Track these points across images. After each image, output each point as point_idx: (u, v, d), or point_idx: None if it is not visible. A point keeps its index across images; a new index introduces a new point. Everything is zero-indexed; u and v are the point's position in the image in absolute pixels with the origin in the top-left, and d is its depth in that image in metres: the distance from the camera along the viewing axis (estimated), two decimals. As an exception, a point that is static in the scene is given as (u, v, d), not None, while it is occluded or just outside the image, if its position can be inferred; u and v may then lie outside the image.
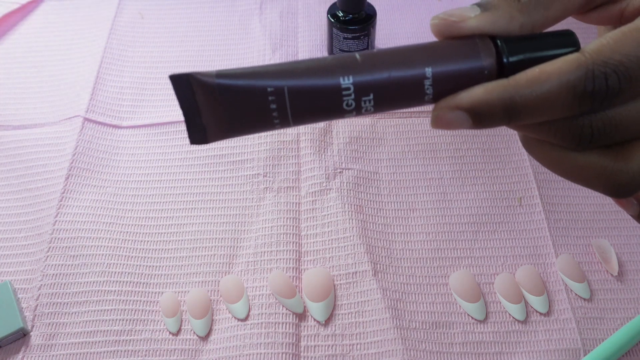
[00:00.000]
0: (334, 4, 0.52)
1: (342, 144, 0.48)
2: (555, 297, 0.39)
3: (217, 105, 0.21)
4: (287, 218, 0.43)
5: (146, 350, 0.37)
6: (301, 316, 0.39)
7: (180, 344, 0.38)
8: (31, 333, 0.38)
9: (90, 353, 0.37)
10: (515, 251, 0.42)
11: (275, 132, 0.48)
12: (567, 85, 0.20)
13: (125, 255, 0.42)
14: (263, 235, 0.42)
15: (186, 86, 0.21)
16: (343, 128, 0.49)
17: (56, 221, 0.43)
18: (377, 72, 0.21)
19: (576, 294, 0.39)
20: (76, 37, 0.58)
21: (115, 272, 0.41)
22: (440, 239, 0.42)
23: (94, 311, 0.39)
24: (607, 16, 0.24)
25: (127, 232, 0.43)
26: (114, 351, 0.37)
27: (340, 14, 0.50)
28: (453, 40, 0.22)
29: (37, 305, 0.39)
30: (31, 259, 0.42)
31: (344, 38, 0.51)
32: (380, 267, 0.41)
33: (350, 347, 0.37)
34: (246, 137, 0.48)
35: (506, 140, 0.48)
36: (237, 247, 0.42)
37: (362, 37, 0.51)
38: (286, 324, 0.38)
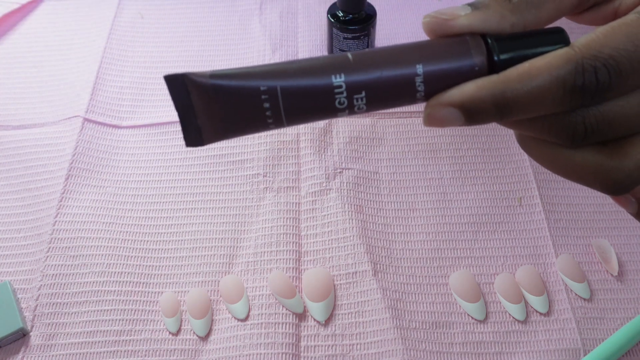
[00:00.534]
0: (334, 4, 0.52)
1: (342, 144, 0.48)
2: (555, 297, 0.39)
3: (212, 106, 0.21)
4: (287, 218, 0.43)
5: (146, 350, 0.37)
6: (301, 316, 0.39)
7: (180, 344, 0.38)
8: (31, 333, 0.38)
9: (90, 353, 0.37)
10: (515, 251, 0.41)
11: (275, 132, 0.48)
12: (557, 79, 0.20)
13: (125, 255, 0.42)
14: (263, 235, 0.42)
15: (181, 87, 0.21)
16: (343, 128, 0.49)
17: (56, 221, 0.43)
18: (369, 71, 0.21)
19: (576, 294, 0.39)
20: (76, 37, 0.58)
21: (115, 272, 0.41)
22: (440, 239, 0.42)
23: (94, 311, 0.39)
24: (600, 16, 0.24)
25: (127, 232, 0.43)
26: (114, 351, 0.37)
27: (340, 14, 0.50)
28: (445, 38, 0.22)
29: (37, 305, 0.39)
30: (31, 259, 0.42)
31: (344, 38, 0.51)
32: (380, 267, 0.41)
33: (350, 347, 0.37)
34: (246, 137, 0.48)
35: (506, 140, 0.48)
36: (237, 247, 0.42)
37: (362, 37, 0.51)
38: (286, 324, 0.38)
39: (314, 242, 0.42)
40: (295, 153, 0.47)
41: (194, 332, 0.38)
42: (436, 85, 0.21)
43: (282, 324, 0.38)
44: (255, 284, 0.40)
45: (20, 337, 0.38)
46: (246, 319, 0.39)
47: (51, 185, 0.45)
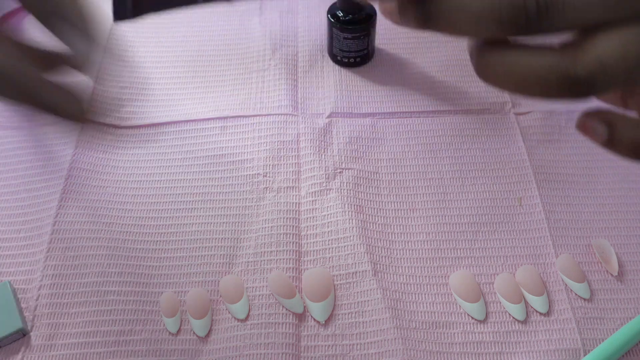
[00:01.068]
0: (334, 4, 0.52)
1: (342, 144, 0.48)
2: (555, 297, 0.39)
3: None
4: (287, 218, 0.43)
5: (146, 350, 0.37)
6: (301, 316, 0.39)
7: (180, 344, 0.38)
8: (31, 333, 0.38)
9: (90, 353, 0.37)
10: (516, 251, 0.42)
11: (275, 132, 0.48)
12: None
13: (125, 256, 0.42)
14: (263, 235, 0.42)
15: None
16: (343, 128, 0.49)
17: (56, 221, 0.43)
18: None
19: (576, 294, 0.39)
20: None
21: (115, 272, 0.41)
22: (440, 239, 0.42)
23: (94, 311, 0.39)
24: None
25: (127, 232, 0.43)
26: (114, 351, 0.37)
27: (340, 14, 0.50)
28: None
29: (37, 305, 0.39)
30: (31, 259, 0.42)
31: (344, 38, 0.51)
32: (380, 267, 0.41)
33: (350, 347, 0.37)
34: (246, 137, 0.48)
35: (506, 140, 0.48)
36: (237, 247, 0.42)
37: (362, 37, 0.51)
38: (286, 324, 0.38)
39: (314, 242, 0.42)
40: (295, 153, 0.47)
41: (193, 332, 0.38)
42: None
43: (282, 324, 0.38)
44: (255, 284, 0.40)
45: (20, 337, 0.38)
46: (246, 319, 0.39)
47: (51, 186, 0.45)
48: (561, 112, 0.50)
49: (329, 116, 0.50)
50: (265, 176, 0.46)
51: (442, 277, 0.41)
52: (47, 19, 0.27)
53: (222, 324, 0.38)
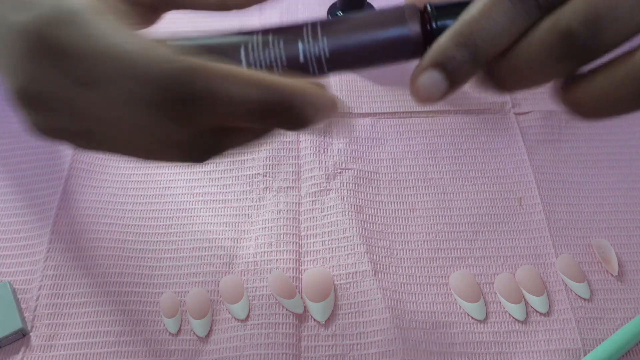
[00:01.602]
0: (334, 4, 0.52)
1: (342, 144, 0.48)
2: (555, 297, 0.39)
3: None
4: (287, 218, 0.43)
5: (146, 351, 0.37)
6: (301, 316, 0.39)
7: (180, 344, 0.38)
8: (31, 333, 0.38)
9: (90, 353, 0.37)
10: (516, 251, 0.42)
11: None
12: None
13: (125, 256, 0.42)
14: (263, 235, 0.42)
15: None
16: (343, 128, 0.49)
17: (56, 222, 0.43)
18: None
19: (576, 294, 0.39)
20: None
21: (115, 273, 0.41)
22: (440, 239, 0.42)
23: (94, 311, 0.39)
24: None
25: (127, 232, 0.43)
26: (114, 351, 0.37)
27: (340, 14, 0.50)
28: (389, 8, 0.22)
29: (37, 305, 0.39)
30: (31, 259, 0.42)
31: (344, 38, 0.51)
32: (380, 267, 0.41)
33: (351, 347, 0.37)
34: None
35: (506, 140, 0.48)
36: (237, 247, 0.42)
37: (362, 37, 0.51)
38: (286, 324, 0.38)
39: (314, 242, 0.42)
40: (295, 153, 0.47)
41: (194, 333, 0.38)
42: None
43: (282, 324, 0.38)
44: (255, 284, 0.40)
45: (20, 337, 0.38)
46: (246, 319, 0.38)
47: (51, 186, 0.45)
48: (561, 112, 0.50)
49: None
50: (265, 176, 0.46)
51: (442, 277, 0.41)
52: None
53: (222, 324, 0.38)
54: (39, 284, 0.40)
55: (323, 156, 0.47)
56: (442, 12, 0.22)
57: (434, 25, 0.21)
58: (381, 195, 0.45)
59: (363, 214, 0.43)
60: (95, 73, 0.21)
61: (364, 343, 0.38)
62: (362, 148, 0.48)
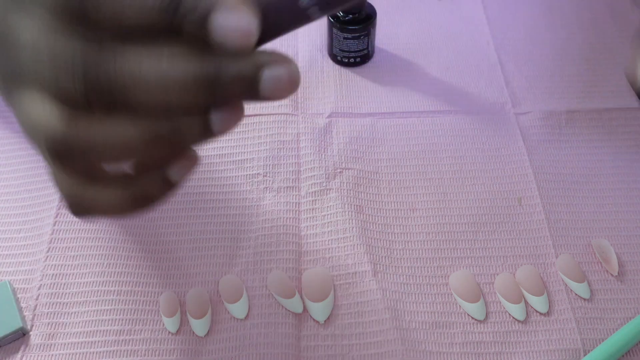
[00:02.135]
0: (334, 4, 0.52)
1: (342, 144, 0.48)
2: (555, 297, 0.39)
3: None
4: (287, 218, 0.43)
5: (145, 350, 0.37)
6: (301, 316, 0.39)
7: (180, 344, 0.38)
8: (30, 333, 0.38)
9: (90, 353, 0.37)
10: (516, 251, 0.41)
11: (275, 132, 0.48)
12: None
13: (125, 255, 0.42)
14: (263, 235, 0.42)
15: None
16: (343, 128, 0.49)
17: (56, 221, 0.43)
18: None
19: (576, 294, 0.39)
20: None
21: (115, 272, 0.41)
22: (440, 239, 0.42)
23: (94, 311, 0.39)
24: None
25: (126, 232, 0.43)
26: (114, 351, 0.37)
27: (340, 14, 0.50)
28: None
29: (37, 305, 0.39)
30: (31, 258, 0.42)
31: (344, 38, 0.51)
32: (380, 268, 0.41)
33: (350, 347, 0.37)
34: (246, 137, 0.49)
35: (506, 140, 0.48)
36: (237, 247, 0.42)
37: (362, 37, 0.51)
38: (286, 324, 0.38)
39: (313, 242, 0.42)
40: (295, 153, 0.47)
41: (193, 332, 0.38)
42: None
43: (282, 323, 0.38)
44: (254, 283, 0.40)
45: (20, 336, 0.38)
46: (246, 318, 0.38)
47: (52, 186, 0.45)
48: (561, 112, 0.50)
49: (329, 116, 0.50)
50: (265, 176, 0.46)
51: (442, 277, 0.41)
52: None
53: (221, 324, 0.38)
54: (39, 283, 0.40)
55: (323, 156, 0.47)
56: None
57: None
58: (381, 195, 0.45)
59: (363, 214, 0.43)
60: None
61: (364, 343, 0.37)
62: (362, 148, 0.48)
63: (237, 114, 0.23)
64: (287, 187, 0.45)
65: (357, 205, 0.44)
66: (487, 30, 0.57)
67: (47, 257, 0.41)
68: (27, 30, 0.22)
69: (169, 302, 0.39)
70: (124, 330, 0.38)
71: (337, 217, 0.43)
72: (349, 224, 0.43)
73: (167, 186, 0.25)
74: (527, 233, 0.42)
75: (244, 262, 0.41)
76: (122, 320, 0.38)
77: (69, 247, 0.42)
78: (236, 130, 0.49)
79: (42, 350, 0.37)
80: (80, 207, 0.24)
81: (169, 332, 0.38)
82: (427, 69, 0.53)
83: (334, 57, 0.54)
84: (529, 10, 0.59)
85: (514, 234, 0.42)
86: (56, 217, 0.43)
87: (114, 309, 0.39)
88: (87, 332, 0.38)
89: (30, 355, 0.37)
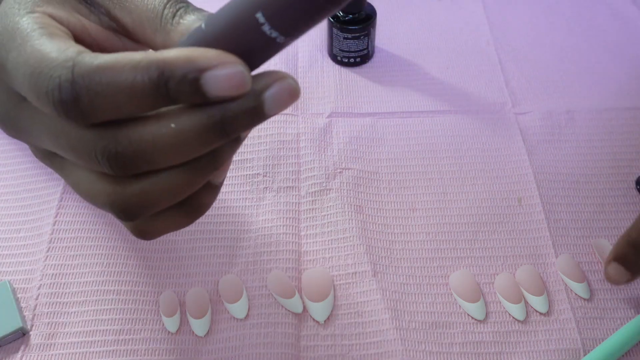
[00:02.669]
0: (334, 4, 0.52)
1: (342, 144, 0.48)
2: (555, 297, 0.39)
3: None
4: (286, 218, 0.43)
5: (145, 350, 0.37)
6: (301, 316, 0.39)
7: (180, 344, 0.38)
8: (30, 332, 0.38)
9: (90, 352, 0.37)
10: (515, 251, 0.41)
11: (275, 132, 0.48)
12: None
13: (125, 255, 0.42)
14: (263, 235, 0.42)
15: None
16: (343, 128, 0.49)
17: (56, 221, 0.43)
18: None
19: (576, 294, 0.39)
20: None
21: (114, 272, 0.41)
22: (440, 239, 0.42)
23: (94, 311, 0.39)
24: None
25: (127, 232, 0.43)
26: (114, 350, 0.37)
27: (340, 13, 0.50)
28: None
29: (37, 304, 0.39)
30: (31, 258, 0.42)
31: (344, 38, 0.51)
32: (380, 268, 0.41)
33: (350, 347, 0.37)
34: (246, 137, 0.48)
35: (506, 140, 0.48)
36: (237, 246, 0.42)
37: (362, 37, 0.51)
38: (286, 324, 0.38)
39: (313, 242, 0.42)
40: (295, 153, 0.47)
41: (193, 332, 0.38)
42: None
43: (282, 323, 0.38)
44: (254, 283, 0.40)
45: (20, 336, 0.38)
46: (246, 318, 0.38)
47: (51, 186, 0.45)
48: (561, 112, 0.50)
49: (329, 116, 0.50)
50: (265, 176, 0.46)
51: (442, 277, 0.40)
52: None
53: (221, 324, 0.38)
54: (39, 283, 0.40)
55: (323, 156, 0.47)
56: None
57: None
58: (381, 195, 0.45)
59: (363, 214, 0.43)
60: (17, 84, 0.23)
61: (364, 343, 0.37)
62: (362, 148, 0.48)
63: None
64: (287, 187, 0.45)
65: (357, 205, 0.44)
66: (487, 30, 0.57)
67: (47, 256, 0.41)
68: (42, 128, 0.24)
69: (168, 302, 0.39)
70: (124, 330, 0.38)
71: (337, 217, 0.43)
72: (348, 224, 0.43)
73: (214, 191, 0.27)
74: (527, 233, 0.42)
75: (244, 262, 0.41)
76: (122, 320, 0.38)
77: (68, 247, 0.42)
78: (236, 130, 0.49)
79: (42, 350, 0.37)
80: (146, 234, 0.27)
81: (169, 332, 0.38)
82: (427, 68, 0.53)
83: (334, 57, 0.54)
84: (529, 10, 0.59)
85: (514, 233, 0.42)
86: (56, 217, 0.43)
87: (114, 309, 0.39)
88: (86, 332, 0.38)
89: (30, 355, 0.37)
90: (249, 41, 0.22)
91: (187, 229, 0.43)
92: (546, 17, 0.58)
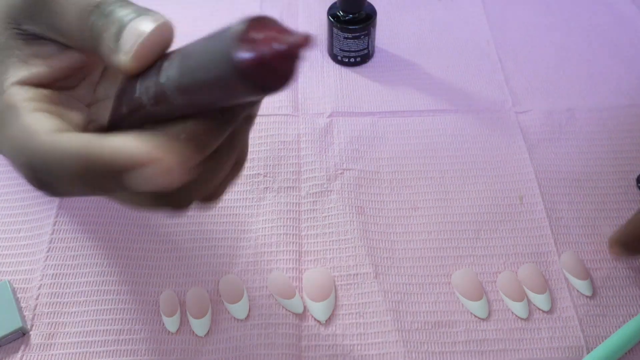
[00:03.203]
0: (334, 4, 0.52)
1: (343, 144, 0.48)
2: (557, 294, 0.39)
3: None
4: (287, 218, 0.43)
5: (145, 350, 0.37)
6: (301, 316, 0.38)
7: (180, 344, 0.38)
8: (30, 332, 0.38)
9: (90, 352, 0.37)
10: (518, 249, 0.41)
11: (276, 132, 0.48)
12: None
13: (125, 255, 0.41)
14: (263, 235, 0.42)
15: None
16: (344, 127, 0.49)
17: (56, 221, 0.43)
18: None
19: (578, 292, 0.39)
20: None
21: (115, 272, 0.40)
22: (442, 238, 0.42)
23: (94, 310, 0.39)
24: None
25: (127, 232, 0.43)
26: (114, 350, 0.37)
27: (340, 14, 0.51)
28: None
29: (37, 304, 0.39)
30: (31, 258, 0.41)
31: (344, 38, 0.51)
32: (381, 269, 0.40)
33: (351, 347, 0.37)
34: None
35: (507, 138, 0.48)
36: (237, 247, 0.42)
37: (362, 37, 0.51)
38: (286, 324, 0.38)
39: (314, 243, 0.42)
40: (296, 153, 0.47)
41: (193, 332, 0.38)
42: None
43: (282, 324, 0.38)
44: (255, 284, 0.40)
45: (20, 336, 0.38)
46: (246, 319, 0.38)
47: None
48: (561, 110, 0.50)
49: (330, 116, 0.50)
50: (266, 176, 0.46)
51: (444, 276, 0.40)
52: None
53: (221, 324, 0.38)
54: (39, 283, 0.40)
55: (324, 156, 0.47)
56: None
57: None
58: (382, 194, 0.45)
59: (364, 215, 0.43)
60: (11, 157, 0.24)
61: (365, 344, 0.37)
62: (363, 147, 0.47)
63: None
64: (287, 187, 0.45)
65: (358, 207, 0.44)
66: (487, 30, 0.57)
67: (47, 257, 0.41)
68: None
69: (169, 302, 0.39)
70: (124, 330, 0.38)
71: (338, 218, 0.43)
72: (350, 225, 0.42)
73: (238, 166, 0.27)
74: (529, 231, 0.42)
75: (244, 262, 0.41)
76: (122, 319, 0.38)
77: (69, 247, 0.42)
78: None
79: (42, 350, 0.37)
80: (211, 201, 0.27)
81: (169, 332, 0.38)
82: (428, 68, 0.53)
83: (334, 57, 0.54)
84: (529, 9, 0.59)
85: (515, 232, 0.42)
86: (56, 217, 0.43)
87: (114, 309, 0.39)
88: (87, 332, 0.38)
89: (30, 355, 0.37)
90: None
91: (187, 229, 0.43)
92: (546, 17, 0.58)
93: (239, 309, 0.39)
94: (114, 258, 0.41)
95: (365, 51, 0.52)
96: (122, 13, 0.23)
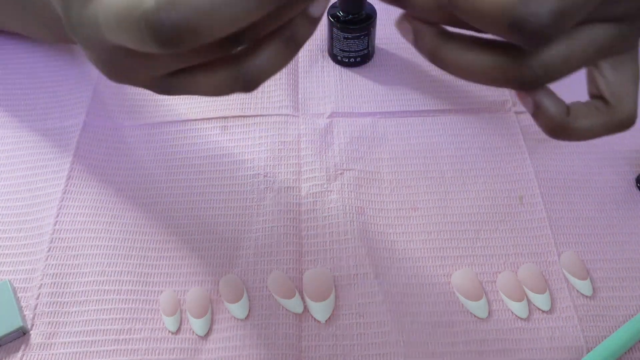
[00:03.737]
0: (334, 4, 0.52)
1: (343, 144, 0.48)
2: (557, 294, 0.39)
3: None
4: (287, 218, 0.43)
5: (145, 349, 0.37)
6: (301, 316, 0.38)
7: (180, 343, 0.38)
8: (31, 332, 0.38)
9: (90, 352, 0.37)
10: (517, 249, 0.41)
11: (276, 132, 0.48)
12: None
13: (125, 255, 0.41)
14: (263, 235, 0.42)
15: None
16: (344, 128, 0.49)
17: (57, 221, 0.43)
18: None
19: (578, 292, 0.39)
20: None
21: (115, 272, 0.41)
22: (442, 238, 0.42)
23: (94, 310, 0.39)
24: None
25: (127, 232, 0.43)
26: (114, 350, 0.37)
27: (340, 14, 0.51)
28: None
29: (37, 304, 0.39)
30: (31, 258, 0.41)
31: (344, 38, 0.51)
32: (381, 270, 0.40)
33: (351, 347, 0.37)
34: (246, 137, 0.49)
35: (507, 138, 0.48)
36: (237, 247, 0.42)
37: (362, 37, 0.51)
38: (286, 324, 0.38)
39: (314, 243, 0.42)
40: (296, 153, 0.47)
41: (193, 332, 0.38)
42: None
43: (283, 324, 0.38)
44: (255, 284, 0.40)
45: (20, 335, 0.38)
46: (246, 318, 0.38)
47: (52, 186, 0.45)
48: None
49: (330, 116, 0.50)
50: (266, 176, 0.46)
51: (444, 276, 0.40)
52: None
53: (222, 324, 0.38)
54: (40, 283, 0.40)
55: (324, 156, 0.47)
56: None
57: None
58: (382, 195, 0.45)
59: (364, 215, 0.43)
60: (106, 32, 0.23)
61: (365, 344, 0.37)
62: (363, 148, 0.47)
63: None
64: (287, 188, 0.45)
65: (358, 207, 0.44)
66: (487, 30, 0.57)
67: (48, 256, 0.41)
68: None
69: (169, 302, 0.39)
70: (124, 330, 0.38)
71: (338, 218, 0.43)
72: (350, 225, 0.42)
73: (312, 22, 0.25)
74: (529, 231, 0.42)
75: (244, 262, 0.41)
76: (122, 319, 0.38)
77: (69, 247, 0.42)
78: (237, 130, 0.49)
79: (42, 350, 0.37)
80: (252, 81, 0.25)
81: (169, 332, 0.38)
82: (428, 68, 0.53)
83: (334, 57, 0.54)
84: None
85: (515, 232, 0.42)
86: (57, 216, 0.43)
87: (114, 309, 0.39)
88: (87, 332, 0.38)
89: (31, 355, 0.37)
90: None
91: (187, 229, 0.43)
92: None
93: (239, 309, 0.39)
94: (114, 258, 0.41)
95: (365, 51, 0.53)
96: None
